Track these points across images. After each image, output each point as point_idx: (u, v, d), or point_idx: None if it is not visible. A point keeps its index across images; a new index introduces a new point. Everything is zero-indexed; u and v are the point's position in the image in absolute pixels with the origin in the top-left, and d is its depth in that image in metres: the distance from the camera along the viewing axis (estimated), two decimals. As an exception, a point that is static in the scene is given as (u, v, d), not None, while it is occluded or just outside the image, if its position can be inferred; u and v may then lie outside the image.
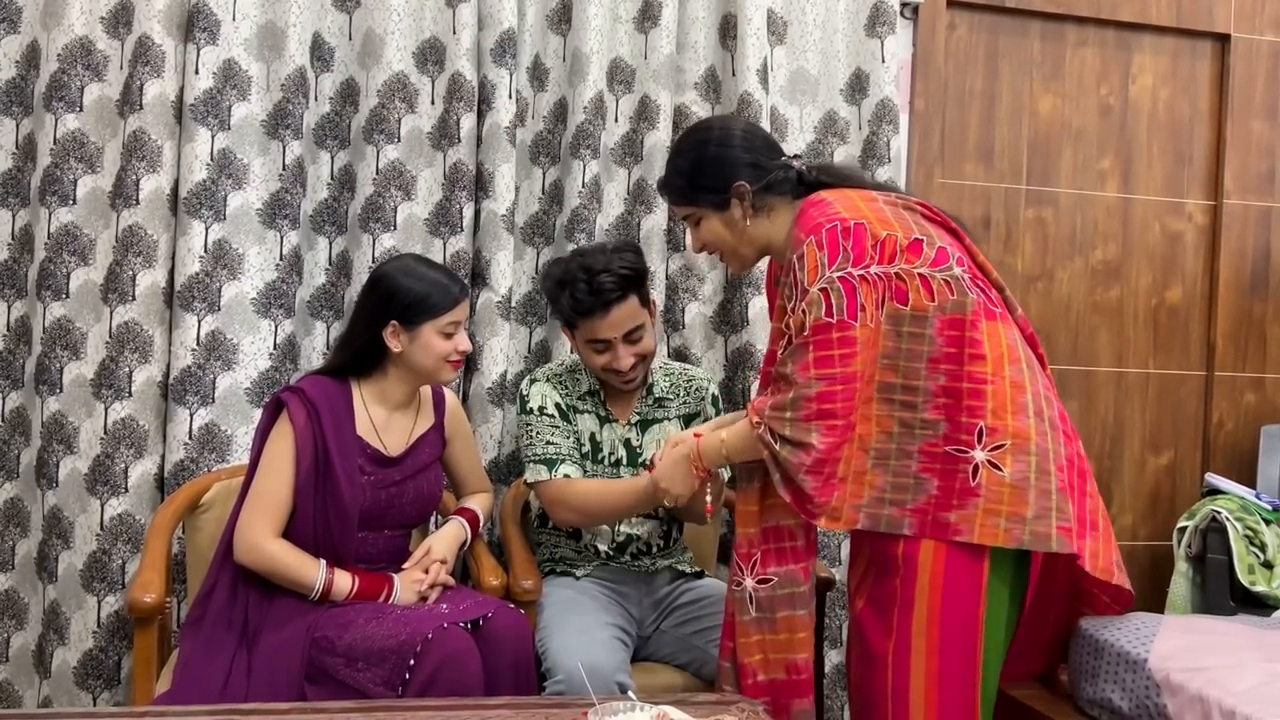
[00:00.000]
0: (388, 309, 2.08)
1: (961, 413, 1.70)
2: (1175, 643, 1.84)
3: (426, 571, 2.09)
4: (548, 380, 2.28)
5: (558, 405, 2.25)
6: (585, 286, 2.12)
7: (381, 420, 2.14)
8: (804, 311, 1.71)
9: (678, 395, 2.33)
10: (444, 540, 2.17)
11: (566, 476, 2.19)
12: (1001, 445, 1.69)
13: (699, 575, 2.33)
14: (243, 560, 2.02)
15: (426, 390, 2.24)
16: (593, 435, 2.27)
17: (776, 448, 1.72)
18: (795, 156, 1.93)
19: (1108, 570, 1.75)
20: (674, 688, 2.13)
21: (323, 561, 2.02)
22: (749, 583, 1.81)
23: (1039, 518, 1.68)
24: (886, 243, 1.73)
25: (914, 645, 1.70)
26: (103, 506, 2.40)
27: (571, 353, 2.37)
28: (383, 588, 2.04)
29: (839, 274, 1.70)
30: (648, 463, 2.18)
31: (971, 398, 1.71)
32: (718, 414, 2.33)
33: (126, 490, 2.40)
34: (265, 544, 2.00)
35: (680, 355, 2.73)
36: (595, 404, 2.29)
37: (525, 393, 2.28)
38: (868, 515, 1.73)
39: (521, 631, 2.00)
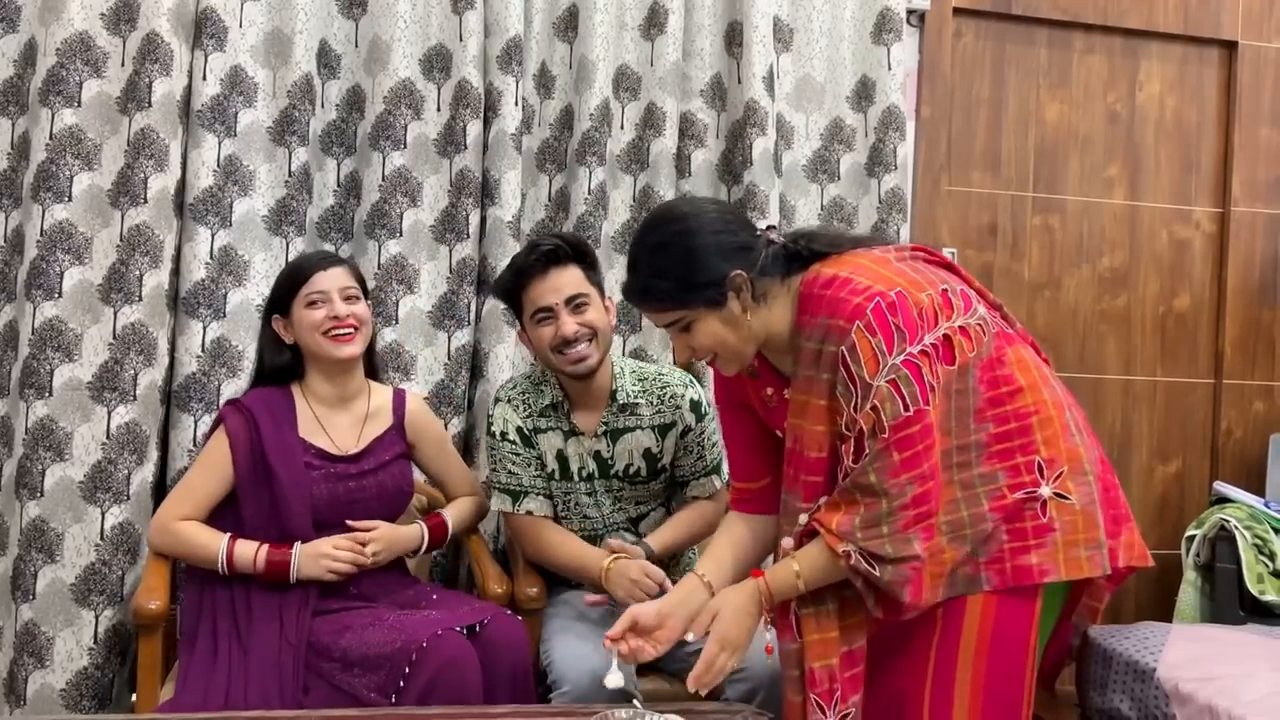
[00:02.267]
0: (271, 304, 2.14)
1: (1016, 454, 1.59)
2: (1184, 652, 1.82)
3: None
4: (509, 401, 2.24)
5: (519, 429, 2.21)
6: (524, 254, 2.16)
7: (326, 418, 2.15)
8: (877, 410, 1.52)
9: (650, 403, 2.25)
10: (392, 533, 2.11)
11: (529, 513, 2.19)
12: (1061, 473, 1.60)
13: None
14: (154, 543, 2.08)
15: (385, 394, 2.23)
16: (559, 452, 2.23)
17: (876, 573, 1.51)
18: (770, 227, 1.72)
19: (1142, 557, 1.68)
20: (679, 698, 2.11)
21: (226, 535, 2.03)
22: None
23: (1111, 535, 1.61)
24: (927, 307, 1.57)
25: (958, 677, 1.58)
26: (103, 515, 2.33)
27: (533, 363, 2.33)
28: (287, 558, 2.01)
29: (901, 358, 1.53)
30: (604, 562, 2.07)
31: (1021, 435, 1.60)
32: (697, 421, 2.26)
33: (128, 498, 2.34)
34: (171, 524, 2.05)
35: (686, 364, 2.71)
36: (559, 418, 2.23)
37: (490, 413, 2.27)
38: (945, 586, 1.58)
39: (518, 639, 1.99)
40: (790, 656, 1.61)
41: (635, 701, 1.86)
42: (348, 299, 2.11)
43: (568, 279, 2.13)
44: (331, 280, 2.10)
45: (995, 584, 1.57)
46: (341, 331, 2.09)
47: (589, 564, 2.12)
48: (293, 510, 2.05)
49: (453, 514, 2.25)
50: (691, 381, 2.33)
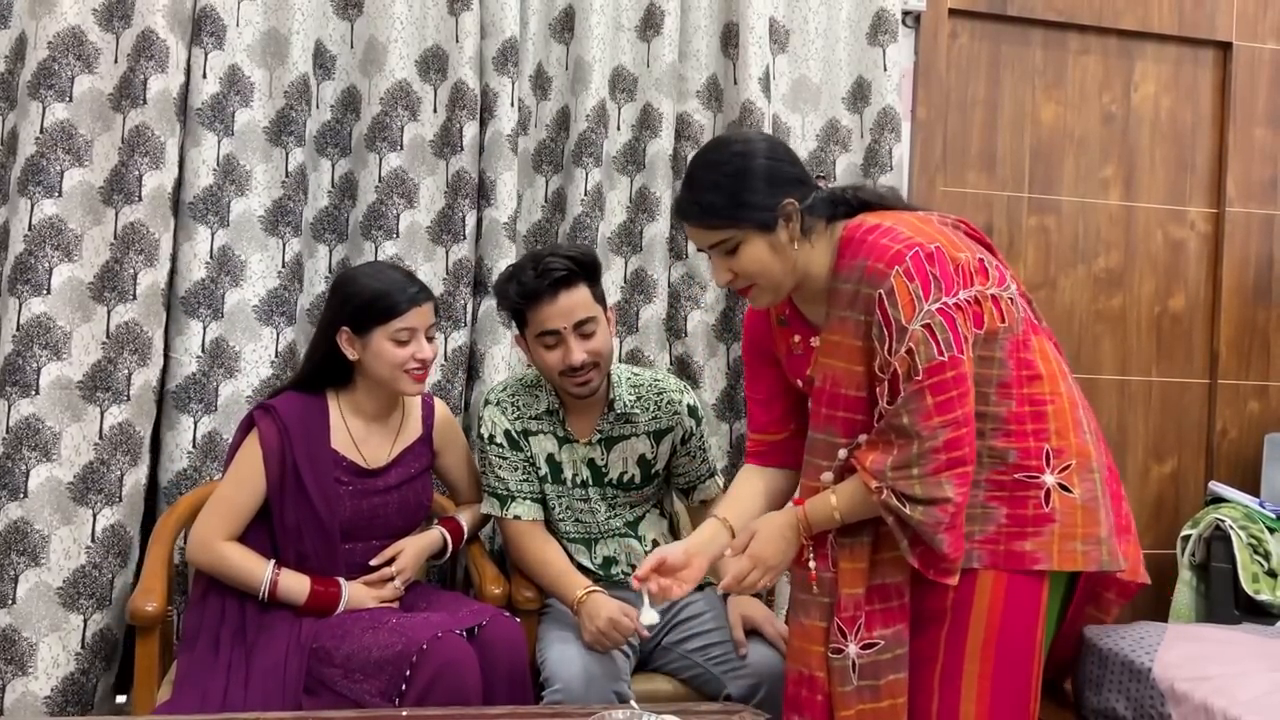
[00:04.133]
0: (340, 315, 2.06)
1: (1028, 438, 1.62)
2: (1180, 652, 1.83)
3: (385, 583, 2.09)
4: (498, 404, 2.22)
5: (507, 433, 2.20)
6: (532, 271, 2.07)
7: (360, 432, 2.12)
8: (911, 353, 1.55)
9: (646, 410, 2.24)
10: (413, 548, 2.14)
11: (517, 517, 2.18)
12: (1068, 466, 1.63)
13: (699, 589, 2.29)
14: (194, 558, 2.04)
15: (415, 401, 2.22)
16: (550, 456, 2.22)
17: (907, 511, 1.55)
18: (820, 176, 1.78)
19: (1135, 571, 1.70)
20: (677, 698, 2.12)
21: (271, 562, 2.02)
22: (852, 649, 1.63)
23: (1111, 535, 1.64)
24: (964, 266, 1.62)
25: (965, 669, 1.61)
26: (94, 517, 2.29)
27: (528, 366, 2.32)
28: (336, 596, 2.03)
29: (936, 306, 1.56)
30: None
31: (1035, 420, 1.64)
32: (696, 425, 2.28)
33: (120, 500, 2.30)
34: (215, 544, 2.01)
35: (683, 364, 2.72)
36: (553, 423, 2.22)
37: (480, 415, 2.25)
38: None
39: (517, 640, 1.99)
40: (825, 584, 1.67)
41: (631, 701, 1.86)
42: (430, 338, 2.09)
43: (577, 301, 2.09)
44: (421, 318, 2.05)
45: (985, 563, 1.60)
46: (420, 371, 2.07)
47: (565, 590, 2.11)
48: (325, 527, 2.04)
49: (465, 518, 2.26)
50: (686, 387, 2.34)
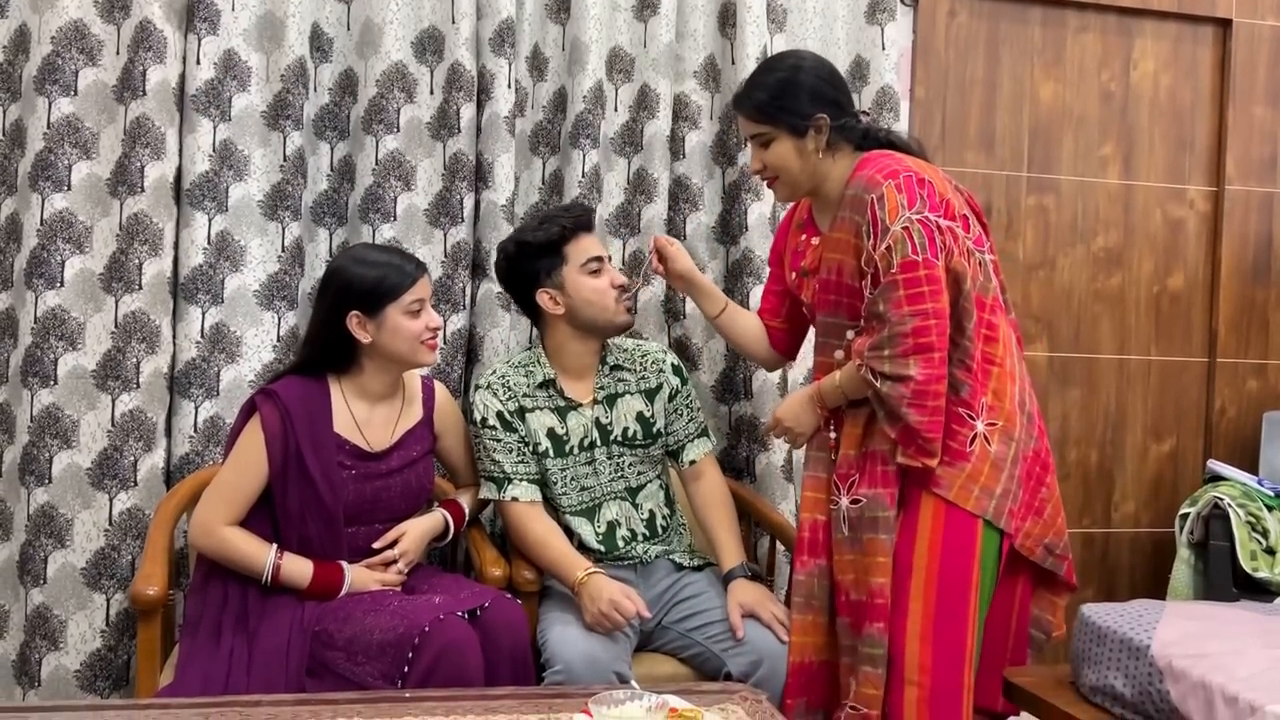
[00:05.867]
0: (346, 300, 2.06)
1: (977, 380, 1.84)
2: (1178, 629, 1.83)
3: (387, 566, 2.10)
4: (489, 387, 2.24)
5: (499, 414, 2.22)
6: (563, 213, 2.29)
7: (363, 415, 2.13)
8: (890, 250, 1.79)
9: (634, 370, 2.32)
10: (416, 531, 2.15)
11: (515, 499, 2.20)
12: (995, 424, 1.85)
13: (699, 568, 2.31)
14: (196, 543, 2.05)
15: (415, 384, 2.23)
16: (551, 430, 2.24)
17: (878, 385, 1.79)
18: (863, 113, 2.02)
19: (1030, 549, 1.89)
20: (677, 678, 2.13)
21: (274, 546, 2.02)
22: (844, 501, 1.88)
23: (1003, 496, 1.84)
24: (950, 206, 1.85)
25: (913, 580, 1.81)
26: (111, 501, 2.35)
27: (530, 345, 2.36)
28: (339, 579, 2.04)
29: (917, 216, 1.79)
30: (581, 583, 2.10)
31: (983, 373, 1.86)
32: (682, 384, 2.36)
33: (136, 484, 2.36)
34: (217, 529, 2.02)
35: (681, 346, 2.72)
36: (552, 394, 2.25)
37: (472, 400, 2.28)
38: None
39: (518, 622, 2.00)
40: (828, 443, 1.97)
41: (632, 682, 1.87)
42: (435, 306, 2.15)
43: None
44: (426, 289, 2.11)
45: (901, 459, 1.81)
46: (434, 339, 2.11)
47: (566, 572, 2.12)
48: (329, 511, 2.05)
49: (466, 500, 2.27)
50: (668, 349, 2.46)
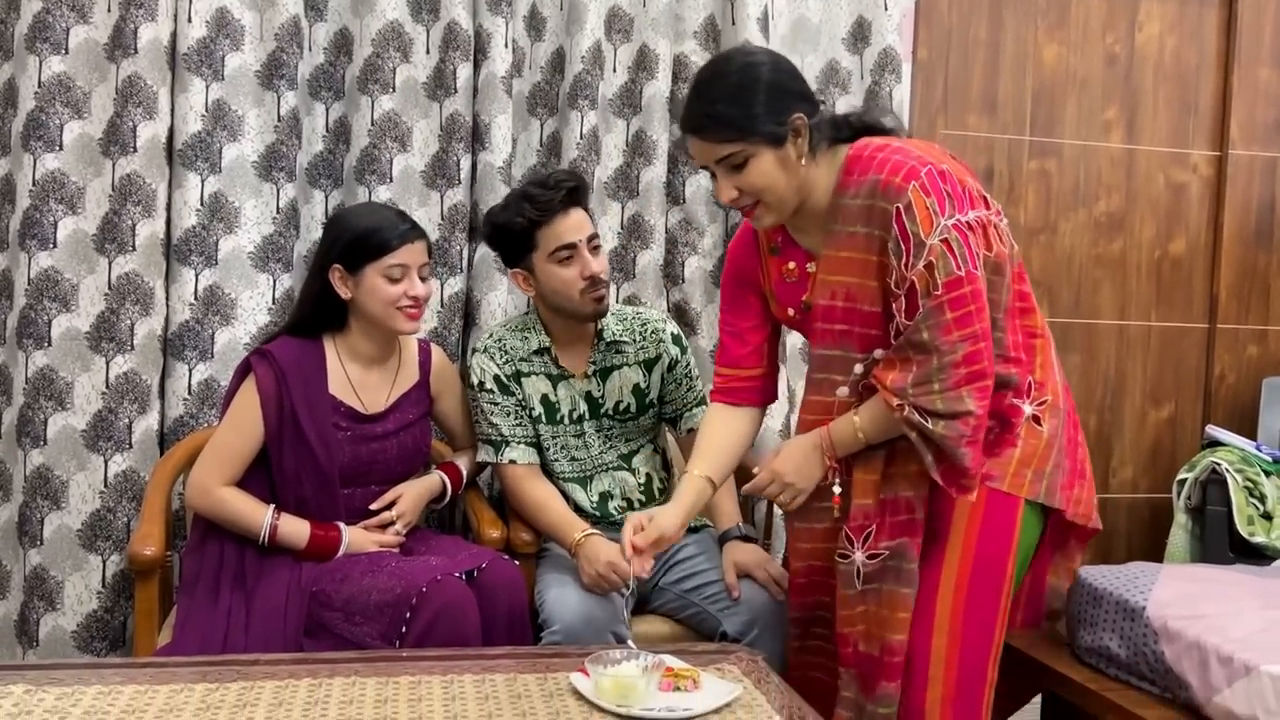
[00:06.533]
0: (332, 252, 2.05)
1: (1022, 366, 1.67)
2: (1174, 591, 1.84)
3: (384, 528, 2.10)
4: (485, 350, 2.23)
5: (496, 378, 2.21)
6: (538, 190, 2.12)
7: (358, 377, 2.12)
8: (930, 267, 1.55)
9: (633, 340, 2.27)
10: (413, 493, 2.15)
11: (513, 461, 2.19)
12: (1045, 401, 1.68)
13: (695, 530, 2.31)
14: (193, 503, 2.05)
15: (412, 347, 2.22)
16: (544, 397, 2.23)
17: (929, 426, 1.56)
18: (822, 101, 1.77)
19: (1086, 515, 1.77)
20: (674, 638, 2.14)
21: (271, 507, 2.02)
22: (859, 556, 1.67)
23: (1054, 472, 1.69)
24: (970, 190, 1.64)
25: (944, 572, 1.66)
26: (106, 463, 2.36)
27: (528, 309, 2.33)
28: (336, 540, 2.04)
29: (952, 222, 1.56)
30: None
31: (1027, 352, 1.68)
32: (681, 354, 2.31)
33: (130, 446, 2.37)
34: (214, 489, 2.02)
35: (680, 311, 2.71)
36: (546, 362, 2.23)
37: (469, 363, 2.27)
38: None
39: (516, 583, 2.00)
40: (830, 495, 1.72)
41: (629, 642, 1.88)
42: (424, 277, 2.08)
43: (583, 218, 2.15)
44: (414, 255, 2.05)
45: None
46: (414, 309, 2.07)
47: (563, 534, 2.12)
48: (325, 473, 2.05)
49: (464, 462, 2.27)
50: (668, 317, 2.39)
